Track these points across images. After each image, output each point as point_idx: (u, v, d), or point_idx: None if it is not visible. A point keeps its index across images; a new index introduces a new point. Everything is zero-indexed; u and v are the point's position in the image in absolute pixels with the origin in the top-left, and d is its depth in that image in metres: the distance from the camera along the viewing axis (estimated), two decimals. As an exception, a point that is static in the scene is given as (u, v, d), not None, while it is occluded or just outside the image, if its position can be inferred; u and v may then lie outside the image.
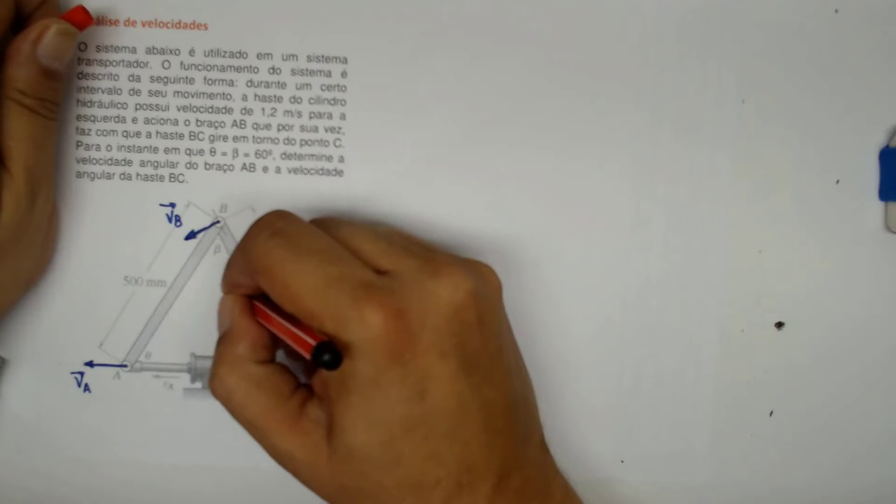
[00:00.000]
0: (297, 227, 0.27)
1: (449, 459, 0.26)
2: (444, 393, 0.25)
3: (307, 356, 0.24)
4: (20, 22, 0.29)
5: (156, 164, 0.32)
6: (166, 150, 0.32)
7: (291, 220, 0.28)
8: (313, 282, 0.25)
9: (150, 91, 0.32)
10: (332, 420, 0.26)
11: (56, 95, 0.29)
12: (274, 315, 0.27)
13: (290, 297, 0.26)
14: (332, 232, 0.28)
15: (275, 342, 0.29)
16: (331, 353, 0.24)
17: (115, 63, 0.32)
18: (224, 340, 0.28)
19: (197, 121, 0.32)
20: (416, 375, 0.25)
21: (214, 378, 0.28)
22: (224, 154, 0.32)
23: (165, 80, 0.32)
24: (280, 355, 0.30)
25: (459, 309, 0.26)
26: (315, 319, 0.25)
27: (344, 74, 0.32)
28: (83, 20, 0.30)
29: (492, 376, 0.27)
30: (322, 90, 0.32)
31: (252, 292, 0.29)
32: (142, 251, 0.32)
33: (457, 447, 0.26)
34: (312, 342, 0.24)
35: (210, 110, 0.32)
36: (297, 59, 0.32)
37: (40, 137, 0.29)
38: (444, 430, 0.26)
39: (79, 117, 0.32)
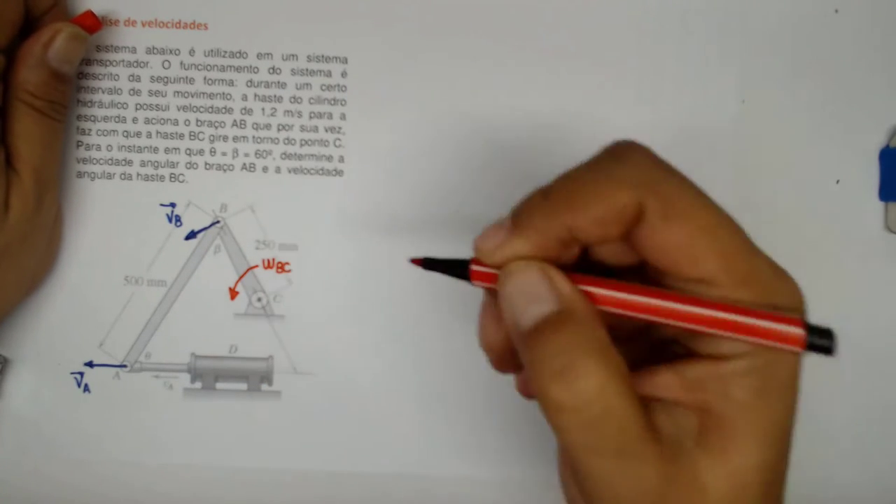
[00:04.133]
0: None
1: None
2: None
3: (779, 340, 0.19)
4: (29, 25, 0.29)
5: (156, 163, 0.32)
6: (166, 150, 0.32)
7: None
8: (740, 236, 0.20)
9: (150, 91, 0.32)
10: (723, 429, 0.20)
11: (64, 98, 0.29)
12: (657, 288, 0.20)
13: (720, 250, 0.20)
14: None
15: None
16: (826, 335, 0.19)
17: (115, 63, 0.32)
18: (561, 325, 0.20)
19: (197, 121, 0.32)
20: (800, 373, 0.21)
21: (576, 376, 0.19)
22: (224, 154, 0.32)
23: (165, 80, 0.32)
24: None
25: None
26: (745, 287, 0.20)
27: (344, 74, 0.32)
28: (93, 24, 0.30)
29: None
30: (322, 90, 0.32)
31: (552, 255, 0.21)
32: (142, 251, 0.32)
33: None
34: (798, 322, 0.19)
35: (210, 110, 0.32)
36: (297, 59, 0.32)
37: (49, 139, 0.29)
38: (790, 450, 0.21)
39: (79, 117, 0.32)
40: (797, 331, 0.19)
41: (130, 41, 0.32)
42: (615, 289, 0.21)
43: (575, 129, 0.33)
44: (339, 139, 0.32)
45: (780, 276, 0.20)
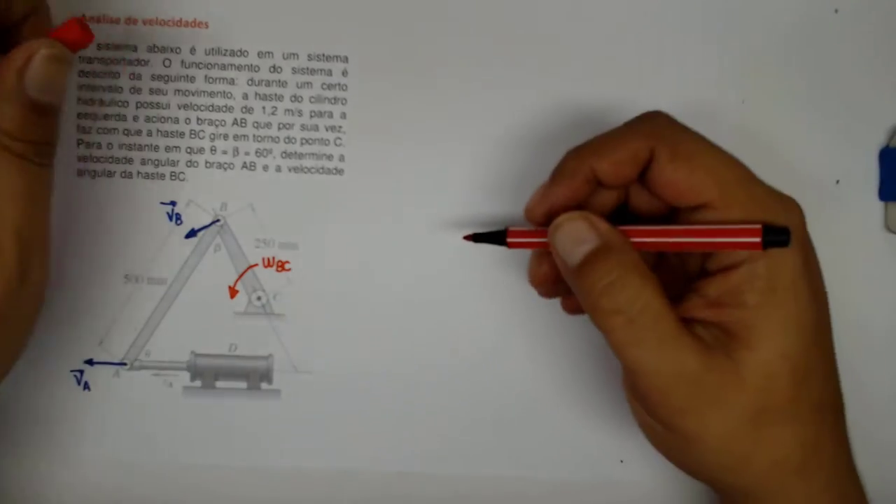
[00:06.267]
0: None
1: (835, 378, 0.26)
2: (825, 299, 0.26)
3: (749, 240, 0.24)
4: (5, 39, 0.25)
5: (156, 162, 0.32)
6: (167, 149, 0.32)
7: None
8: (738, 170, 0.25)
9: (150, 89, 0.32)
10: (746, 330, 0.24)
11: (50, 135, 0.24)
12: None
13: (716, 181, 0.24)
14: None
15: None
16: (777, 232, 0.23)
17: (115, 61, 0.32)
18: (603, 255, 0.25)
19: (197, 119, 0.32)
20: (814, 274, 0.25)
21: (619, 287, 0.24)
22: (224, 153, 0.32)
23: (166, 78, 0.32)
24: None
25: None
26: (741, 209, 0.24)
27: (345, 73, 0.32)
28: (79, 38, 0.23)
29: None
30: (323, 89, 0.32)
31: (583, 197, 0.27)
32: (142, 249, 0.32)
33: (833, 362, 0.26)
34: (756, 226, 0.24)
35: (211, 109, 0.32)
36: (297, 57, 0.32)
37: (34, 191, 0.23)
38: (831, 344, 0.26)
39: (80, 115, 0.32)
40: (754, 238, 0.23)
41: (131, 39, 0.32)
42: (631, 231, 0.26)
43: (575, 128, 0.33)
44: (339, 138, 0.32)
45: (777, 198, 0.25)
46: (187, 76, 0.32)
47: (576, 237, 0.25)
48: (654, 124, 0.26)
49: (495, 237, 0.29)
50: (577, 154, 0.26)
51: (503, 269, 0.33)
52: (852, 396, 0.33)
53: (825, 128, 0.33)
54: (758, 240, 0.23)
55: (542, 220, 0.27)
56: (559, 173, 0.27)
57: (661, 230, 0.25)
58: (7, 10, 0.23)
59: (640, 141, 0.25)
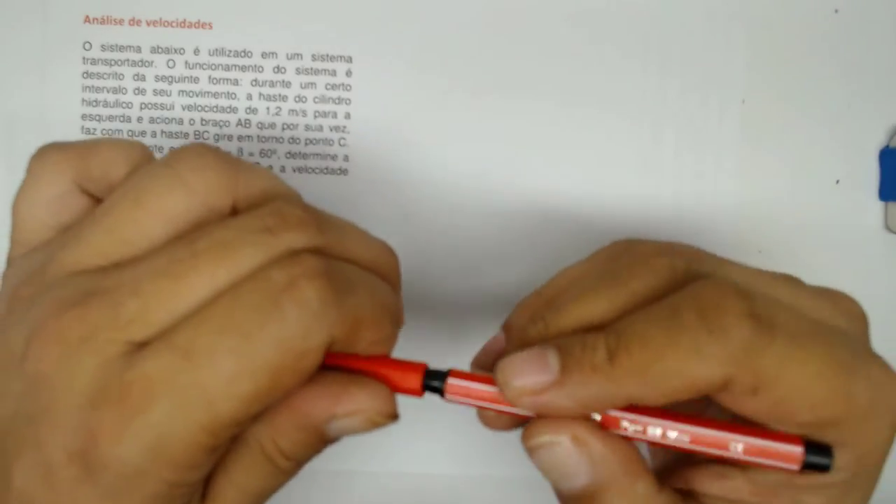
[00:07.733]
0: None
1: None
2: None
3: (790, 464, 0.18)
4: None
5: (161, 163, 0.32)
6: (172, 150, 0.32)
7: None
8: (835, 380, 0.19)
9: (154, 90, 0.32)
10: None
11: (316, 455, 0.22)
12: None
13: (810, 404, 0.18)
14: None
15: None
16: (821, 450, 0.18)
17: (119, 62, 0.32)
18: (596, 499, 0.19)
19: (202, 120, 0.32)
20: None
21: None
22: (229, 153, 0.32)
23: (170, 79, 0.32)
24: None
25: None
26: (834, 427, 0.19)
27: (349, 73, 0.32)
28: (412, 390, 0.21)
29: None
30: (327, 89, 0.32)
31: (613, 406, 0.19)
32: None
33: None
34: (797, 443, 0.18)
35: (215, 109, 0.32)
36: (301, 58, 0.32)
37: (268, 494, 0.22)
38: None
39: (84, 116, 0.32)
40: (791, 465, 0.18)
41: (135, 40, 0.32)
42: (635, 421, 0.19)
43: (577, 133, 0.33)
44: (343, 138, 0.32)
45: (879, 396, 0.19)
46: (191, 77, 0.32)
47: (561, 469, 0.20)
48: (731, 341, 0.18)
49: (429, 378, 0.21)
50: (609, 374, 0.18)
51: (506, 268, 0.33)
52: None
53: (825, 128, 0.33)
54: (795, 467, 0.18)
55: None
56: (576, 382, 0.19)
57: (677, 443, 0.19)
58: (352, 343, 0.20)
59: (711, 371, 0.18)
